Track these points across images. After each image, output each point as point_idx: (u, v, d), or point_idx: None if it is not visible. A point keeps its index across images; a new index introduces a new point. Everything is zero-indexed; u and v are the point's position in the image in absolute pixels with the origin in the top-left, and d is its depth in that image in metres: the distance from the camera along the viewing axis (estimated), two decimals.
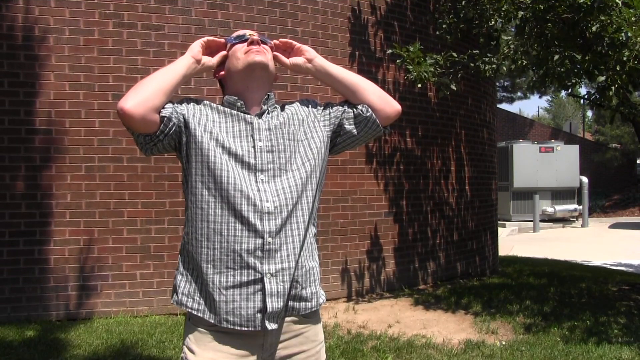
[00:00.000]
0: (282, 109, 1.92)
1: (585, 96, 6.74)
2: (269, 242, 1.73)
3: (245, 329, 1.74)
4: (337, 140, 1.94)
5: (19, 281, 5.25)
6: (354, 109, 1.92)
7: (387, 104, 1.93)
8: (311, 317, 1.88)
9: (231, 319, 1.73)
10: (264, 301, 1.73)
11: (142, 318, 5.34)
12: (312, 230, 1.88)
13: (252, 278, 1.73)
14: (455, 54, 6.14)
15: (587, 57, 5.60)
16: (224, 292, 1.73)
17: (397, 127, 6.81)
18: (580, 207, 18.35)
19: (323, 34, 6.31)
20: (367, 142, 2.11)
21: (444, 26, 6.48)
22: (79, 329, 4.94)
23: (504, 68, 6.19)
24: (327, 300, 6.08)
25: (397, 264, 6.83)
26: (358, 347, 4.65)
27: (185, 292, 1.80)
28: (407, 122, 6.95)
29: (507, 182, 18.04)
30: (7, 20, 5.25)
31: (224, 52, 1.90)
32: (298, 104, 1.95)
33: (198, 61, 1.85)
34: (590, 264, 10.27)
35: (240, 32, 1.91)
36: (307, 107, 1.95)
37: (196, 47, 1.86)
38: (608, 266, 10.13)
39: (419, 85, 5.98)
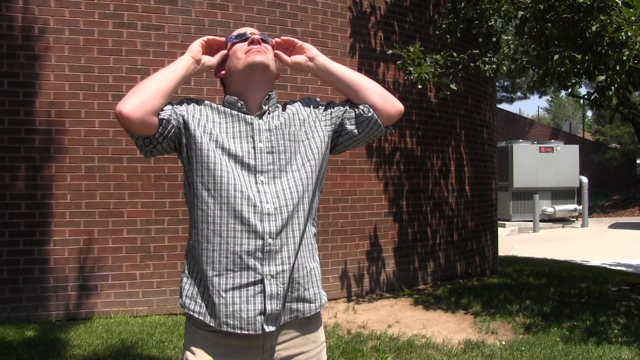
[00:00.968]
0: (284, 108, 1.90)
1: (585, 96, 6.74)
2: (270, 243, 1.73)
3: (246, 332, 1.73)
4: (339, 140, 1.93)
5: (18, 281, 5.25)
6: (356, 109, 1.90)
7: (389, 104, 1.91)
8: (312, 318, 1.87)
9: (231, 322, 1.72)
10: (263, 303, 1.73)
11: (142, 318, 5.34)
12: (312, 230, 1.88)
13: (253, 280, 1.73)
14: (455, 54, 6.14)
15: (587, 57, 5.60)
16: (224, 295, 1.72)
17: (397, 127, 6.81)
18: (580, 207, 18.35)
19: (323, 34, 6.31)
20: (369, 141, 2.09)
21: (443, 26, 6.48)
22: (78, 329, 4.94)
23: (504, 68, 6.19)
24: (327, 300, 6.10)
25: (397, 264, 6.83)
26: (358, 347, 4.65)
27: (188, 295, 1.80)
28: (407, 122, 6.95)
29: (507, 182, 18.04)
30: (6, 20, 5.25)
31: (224, 52, 1.89)
32: (299, 103, 1.94)
33: (198, 61, 1.85)
34: (590, 264, 10.27)
35: (241, 30, 1.89)
36: (309, 106, 1.93)
37: (196, 47, 1.85)
38: (608, 266, 10.13)
39: (420, 86, 5.98)
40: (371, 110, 1.89)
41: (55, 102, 5.34)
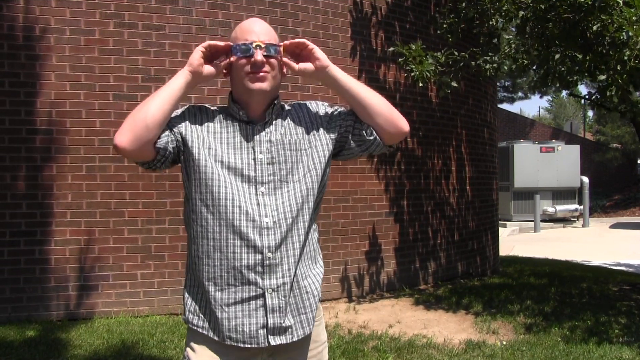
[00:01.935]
0: (288, 113, 1.87)
1: (586, 96, 6.74)
2: (269, 257, 1.72)
3: (249, 345, 1.74)
4: (341, 152, 1.90)
5: (19, 281, 5.25)
6: (360, 128, 1.85)
7: (393, 127, 1.85)
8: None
9: (234, 335, 1.74)
10: (265, 317, 1.73)
11: (143, 318, 5.34)
12: (315, 235, 1.87)
13: (254, 294, 1.73)
14: (456, 52, 6.14)
15: (588, 57, 5.59)
16: (226, 310, 1.74)
17: None
18: (581, 207, 18.34)
19: (324, 34, 6.31)
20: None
21: (444, 26, 6.48)
22: (79, 329, 4.94)
23: (505, 67, 6.19)
24: (328, 300, 6.10)
25: (398, 264, 6.82)
26: (359, 347, 4.65)
27: (191, 310, 1.81)
28: (408, 122, 6.90)
29: (508, 182, 18.04)
30: (7, 20, 5.25)
31: (228, 61, 1.81)
32: (307, 107, 1.91)
33: (198, 73, 1.79)
34: (590, 264, 10.27)
35: (248, 40, 1.76)
36: (316, 112, 1.89)
37: (196, 58, 1.78)
38: (609, 266, 10.13)
39: (421, 85, 5.97)
40: (374, 133, 1.84)
41: (56, 102, 5.34)
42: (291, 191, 1.77)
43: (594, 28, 5.29)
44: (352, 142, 1.86)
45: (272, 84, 1.79)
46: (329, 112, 1.90)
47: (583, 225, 18.02)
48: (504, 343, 4.87)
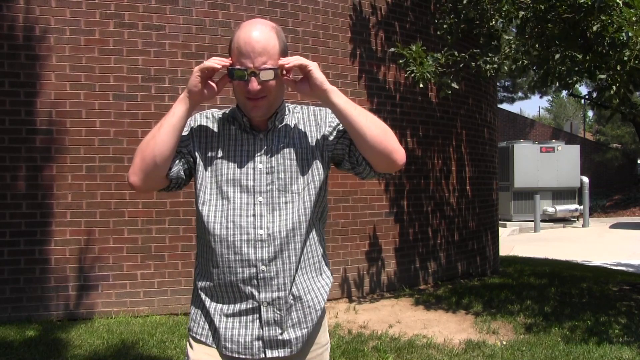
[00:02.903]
0: (294, 117, 1.84)
1: (586, 96, 6.74)
2: (263, 270, 1.72)
3: (243, 356, 1.76)
4: (337, 165, 1.89)
5: (19, 281, 5.25)
6: (355, 151, 1.79)
7: (386, 161, 1.76)
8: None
9: (229, 345, 1.76)
10: (261, 329, 1.75)
11: (143, 318, 5.34)
12: (320, 247, 1.85)
13: (250, 306, 1.75)
14: (456, 53, 6.14)
15: (587, 57, 5.59)
16: (224, 319, 1.77)
17: (398, 127, 6.81)
18: (581, 207, 18.35)
19: (324, 34, 6.31)
20: None
21: (444, 26, 6.48)
22: (79, 329, 4.94)
23: (505, 68, 6.19)
24: (328, 300, 6.10)
25: (398, 264, 6.82)
26: (359, 347, 4.65)
27: (194, 319, 1.84)
28: (408, 122, 6.95)
29: (508, 182, 18.04)
30: (7, 20, 5.25)
31: (225, 81, 1.77)
32: (314, 113, 1.87)
33: (198, 97, 1.75)
34: (590, 264, 10.27)
35: (243, 66, 1.69)
36: (322, 120, 1.86)
37: (194, 85, 1.72)
38: (609, 266, 10.13)
39: (421, 85, 5.98)
40: (366, 167, 1.80)
41: (56, 102, 5.34)
42: (289, 203, 1.76)
43: (594, 28, 5.30)
44: (347, 162, 1.84)
45: (270, 105, 1.76)
46: (334, 125, 1.84)
47: (583, 225, 18.02)
48: (504, 343, 4.87)
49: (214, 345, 1.78)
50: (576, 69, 5.66)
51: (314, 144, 1.82)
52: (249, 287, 1.73)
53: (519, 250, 12.00)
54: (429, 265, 7.19)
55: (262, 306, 1.74)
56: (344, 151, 1.83)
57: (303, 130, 1.84)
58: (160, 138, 1.71)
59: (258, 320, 1.75)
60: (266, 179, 1.76)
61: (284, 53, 1.74)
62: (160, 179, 1.76)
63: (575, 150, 19.15)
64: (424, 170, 7.16)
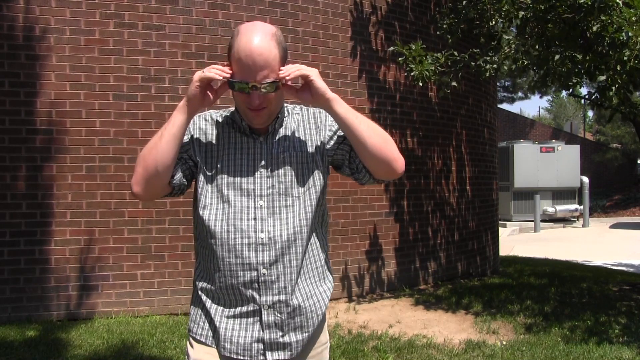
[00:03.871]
0: (294, 120, 1.83)
1: (586, 96, 6.74)
2: (264, 274, 1.72)
3: (242, 357, 1.76)
4: (337, 170, 1.89)
5: (19, 281, 5.25)
6: (355, 157, 1.80)
7: (385, 170, 1.77)
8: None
9: (228, 346, 1.76)
10: (262, 331, 1.75)
11: (143, 318, 5.34)
12: (322, 252, 1.85)
13: (251, 309, 1.75)
14: (456, 53, 6.14)
15: (587, 57, 5.59)
16: (225, 320, 1.77)
17: (399, 127, 6.82)
18: (581, 207, 18.34)
19: (324, 34, 6.31)
20: None
21: (444, 26, 6.48)
22: (79, 329, 4.94)
23: (505, 68, 6.19)
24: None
25: (398, 264, 6.82)
26: (359, 347, 4.65)
27: (193, 319, 1.84)
28: (408, 122, 6.95)
29: (508, 182, 18.04)
30: (7, 20, 5.25)
31: (224, 89, 1.74)
32: (314, 115, 1.86)
33: (197, 106, 1.72)
34: (590, 264, 10.27)
35: (244, 79, 1.66)
36: (323, 124, 1.85)
37: (193, 94, 1.69)
38: (609, 266, 10.13)
39: (421, 84, 5.98)
40: (366, 174, 1.80)
41: (56, 102, 5.34)
42: (290, 207, 1.76)
43: (594, 28, 5.30)
44: (347, 168, 1.84)
45: (271, 114, 1.75)
46: (334, 130, 1.83)
47: (583, 225, 18.01)
48: (504, 343, 4.87)
49: (214, 345, 1.79)
50: (576, 69, 5.66)
51: (314, 147, 1.82)
52: (250, 291, 1.73)
53: (519, 250, 12.00)
54: (429, 265, 7.19)
55: (262, 309, 1.74)
56: (344, 157, 1.83)
57: (303, 133, 1.83)
58: (161, 148, 1.70)
59: (259, 323, 1.75)
60: (267, 183, 1.75)
61: (284, 60, 1.71)
62: (163, 187, 1.76)
63: (575, 150, 19.15)
64: (424, 170, 7.16)
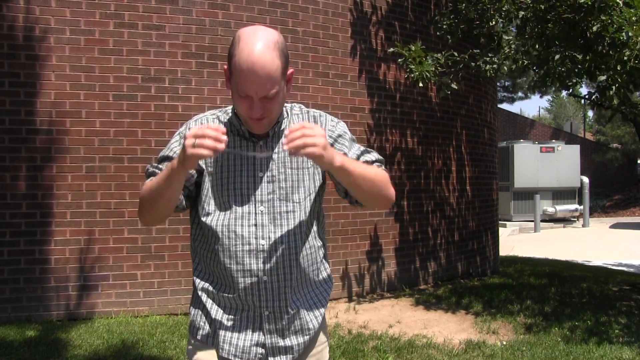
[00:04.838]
0: (292, 123, 1.80)
1: (586, 96, 6.74)
2: (264, 281, 1.72)
3: (239, 359, 1.76)
4: (331, 178, 1.84)
5: (19, 281, 5.25)
6: (341, 190, 1.79)
7: (374, 206, 1.85)
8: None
9: (226, 347, 1.76)
10: (263, 336, 1.75)
11: (143, 318, 5.34)
12: (320, 253, 1.84)
13: (252, 314, 1.75)
14: (456, 54, 6.14)
15: (587, 57, 5.59)
16: (224, 322, 1.77)
17: (399, 127, 6.81)
18: (581, 207, 18.34)
19: (324, 34, 6.31)
20: None
21: (444, 27, 6.48)
22: (79, 329, 4.94)
23: (505, 68, 6.19)
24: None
25: (398, 264, 6.82)
26: (359, 347, 4.65)
27: (193, 320, 1.84)
28: (408, 122, 6.95)
29: (508, 182, 18.04)
30: (7, 20, 5.25)
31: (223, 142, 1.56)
32: (310, 118, 1.82)
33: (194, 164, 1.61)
34: (591, 264, 10.27)
35: (244, 91, 1.62)
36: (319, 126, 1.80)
37: (190, 164, 1.57)
38: (609, 266, 10.13)
39: (420, 85, 5.98)
40: (356, 203, 1.81)
41: (56, 102, 5.34)
42: (290, 213, 1.75)
43: (594, 28, 5.30)
44: (341, 191, 1.81)
45: (271, 122, 1.72)
46: (334, 137, 1.80)
47: (583, 225, 18.01)
48: (504, 343, 4.87)
49: (213, 346, 1.79)
50: (576, 69, 5.66)
51: None
52: (250, 297, 1.73)
53: (519, 250, 12.00)
54: (429, 265, 7.19)
55: (263, 315, 1.74)
56: (338, 179, 1.77)
57: None
58: (165, 199, 1.69)
59: (259, 328, 1.75)
60: (267, 188, 1.74)
61: (286, 67, 1.66)
62: (165, 218, 1.83)
63: (575, 150, 19.15)
64: (424, 170, 7.16)
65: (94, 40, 5.41)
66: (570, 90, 6.47)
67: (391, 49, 6.16)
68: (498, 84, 15.86)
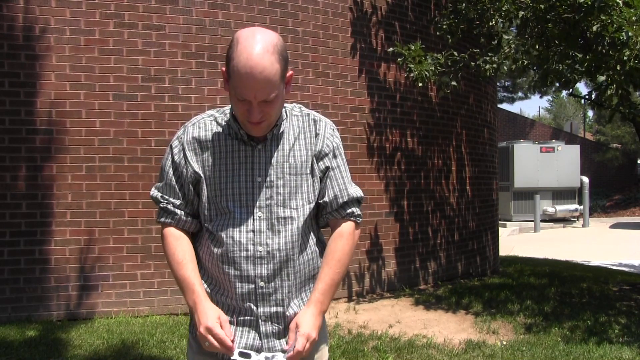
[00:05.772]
0: (294, 125, 1.79)
1: (586, 96, 6.75)
2: (262, 287, 1.72)
3: None
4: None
5: (19, 281, 5.25)
6: (324, 209, 1.82)
7: None
8: None
9: None
10: (260, 340, 1.75)
11: (143, 318, 5.34)
12: (319, 258, 1.83)
13: (249, 319, 1.75)
14: (456, 53, 6.14)
15: (587, 57, 5.60)
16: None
17: (399, 127, 6.81)
18: (581, 207, 18.34)
19: (324, 34, 6.31)
20: None
21: (444, 27, 6.48)
22: (79, 329, 4.94)
23: (505, 67, 6.19)
24: None
25: (398, 264, 6.82)
26: (359, 347, 4.65)
27: (194, 323, 1.83)
28: (408, 122, 6.95)
29: (508, 182, 18.04)
30: (7, 20, 5.25)
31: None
32: (315, 125, 1.81)
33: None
34: (590, 264, 10.27)
35: (243, 95, 1.61)
36: (318, 130, 1.81)
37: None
38: (609, 266, 10.13)
39: (420, 84, 5.98)
40: (326, 222, 1.87)
41: (56, 102, 5.34)
42: (288, 218, 1.73)
43: (594, 28, 5.30)
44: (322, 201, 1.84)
45: (270, 125, 1.71)
46: (331, 147, 1.82)
47: (583, 225, 18.02)
48: (504, 343, 4.87)
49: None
50: (576, 69, 5.66)
51: (312, 156, 1.78)
52: (247, 302, 1.73)
53: (519, 250, 12.00)
54: (429, 265, 7.19)
55: (260, 320, 1.74)
56: (323, 191, 1.81)
57: (303, 141, 1.78)
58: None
59: (256, 331, 1.75)
60: (265, 194, 1.72)
61: (285, 70, 1.65)
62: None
63: (575, 150, 19.15)
64: (424, 170, 7.16)
65: (94, 40, 5.41)
66: (570, 90, 6.47)
67: (391, 49, 6.16)
68: (498, 84, 15.87)
